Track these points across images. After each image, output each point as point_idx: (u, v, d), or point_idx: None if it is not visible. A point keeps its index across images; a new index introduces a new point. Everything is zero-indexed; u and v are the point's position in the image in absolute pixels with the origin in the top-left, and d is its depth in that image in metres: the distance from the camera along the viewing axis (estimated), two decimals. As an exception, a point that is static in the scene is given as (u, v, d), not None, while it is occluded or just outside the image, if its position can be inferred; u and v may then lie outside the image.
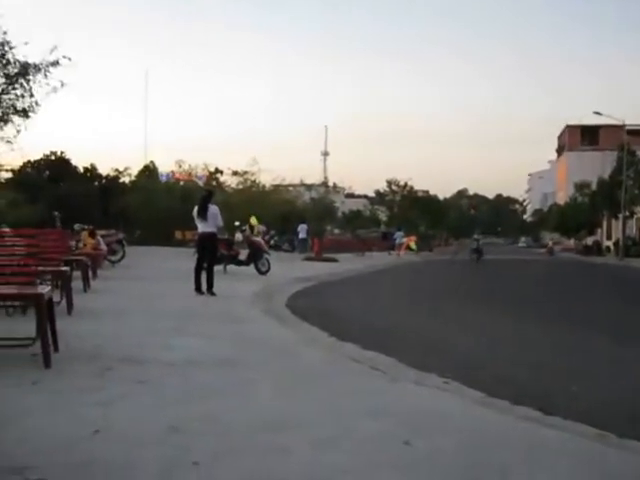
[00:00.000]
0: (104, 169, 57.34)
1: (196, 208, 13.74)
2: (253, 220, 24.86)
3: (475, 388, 6.04)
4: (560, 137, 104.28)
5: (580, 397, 6.09)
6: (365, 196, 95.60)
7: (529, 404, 5.51)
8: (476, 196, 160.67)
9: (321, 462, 3.81)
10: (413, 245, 51.55)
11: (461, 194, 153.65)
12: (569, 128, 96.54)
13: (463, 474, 3.67)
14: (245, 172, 55.58)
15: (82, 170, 56.14)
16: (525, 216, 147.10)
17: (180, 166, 56.10)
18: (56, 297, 7.89)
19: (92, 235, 19.31)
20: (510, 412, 5.25)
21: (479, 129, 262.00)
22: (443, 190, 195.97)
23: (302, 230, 43.59)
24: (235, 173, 56.18)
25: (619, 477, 3.85)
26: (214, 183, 52.28)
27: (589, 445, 4.45)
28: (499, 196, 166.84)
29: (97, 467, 3.58)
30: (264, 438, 4.19)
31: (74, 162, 55.88)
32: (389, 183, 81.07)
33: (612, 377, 7.17)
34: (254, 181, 56.70)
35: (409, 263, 37.25)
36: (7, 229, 8.72)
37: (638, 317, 13.44)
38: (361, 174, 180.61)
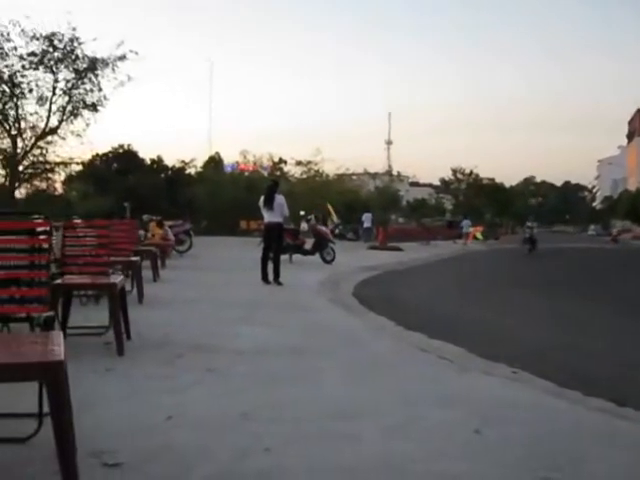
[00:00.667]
0: (170, 161, 58.25)
1: (262, 198, 13.84)
2: (330, 208, 24.96)
3: (545, 378, 5.95)
4: (630, 122, 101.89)
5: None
6: (430, 184, 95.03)
7: (601, 395, 5.40)
8: (543, 183, 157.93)
9: (391, 450, 3.81)
10: (479, 235, 51.31)
11: (528, 182, 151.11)
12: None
13: (535, 464, 3.62)
14: (309, 162, 55.87)
15: (149, 162, 57.08)
16: (594, 204, 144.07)
17: (245, 157, 56.68)
18: (127, 287, 8.05)
19: (160, 226, 19.64)
20: (582, 403, 5.16)
21: (546, 115, 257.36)
22: (509, 178, 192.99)
23: (367, 219, 43.59)
24: (299, 163, 56.55)
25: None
26: (278, 173, 52.59)
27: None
28: (567, 183, 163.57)
29: (172, 452, 3.65)
30: (334, 425, 4.22)
31: (141, 154, 56.87)
32: (454, 171, 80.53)
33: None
34: (318, 171, 56.90)
35: (475, 252, 36.91)
36: (78, 220, 8.92)
37: None
38: (426, 162, 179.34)
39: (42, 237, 4.24)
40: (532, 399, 5.17)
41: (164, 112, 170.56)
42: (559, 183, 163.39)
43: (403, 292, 14.49)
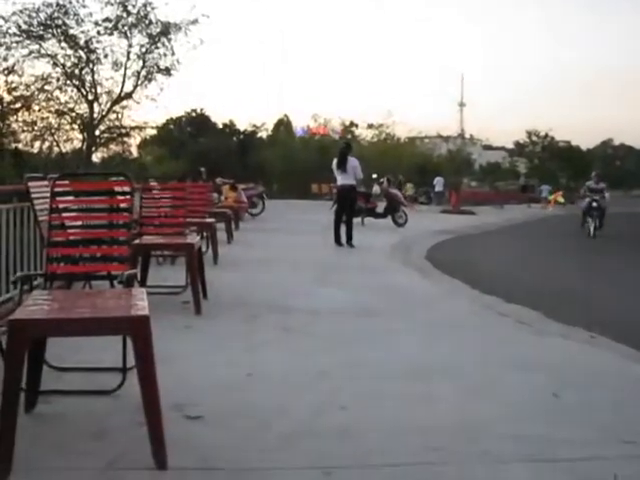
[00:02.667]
0: (242, 124, 58.61)
1: (335, 160, 13.82)
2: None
3: (624, 343, 5.82)
4: None
5: None
6: (503, 148, 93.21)
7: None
8: (622, 146, 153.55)
9: (468, 411, 3.81)
10: (561, 199, 50.52)
11: (606, 144, 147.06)
12: None
13: (618, 428, 3.57)
14: (380, 125, 55.43)
15: (221, 126, 57.56)
16: None
17: (315, 120, 56.52)
18: (203, 248, 8.17)
19: (234, 189, 19.82)
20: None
21: (624, 75, 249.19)
22: (586, 141, 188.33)
23: (438, 183, 43.41)
24: (370, 126, 56.13)
25: None
26: (349, 136, 52.36)
27: None
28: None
29: (251, 408, 3.72)
30: (410, 385, 4.24)
31: (213, 119, 57.38)
32: (529, 134, 78.78)
33: None
34: (389, 134, 56.47)
35: (551, 216, 36.27)
36: (154, 183, 9.05)
37: None
38: (499, 125, 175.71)
39: (122, 197, 4.33)
40: (611, 364, 5.10)
41: (237, 76, 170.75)
42: (639, 146, 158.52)
43: (477, 256, 14.36)
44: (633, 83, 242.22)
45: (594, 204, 20.47)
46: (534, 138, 78.28)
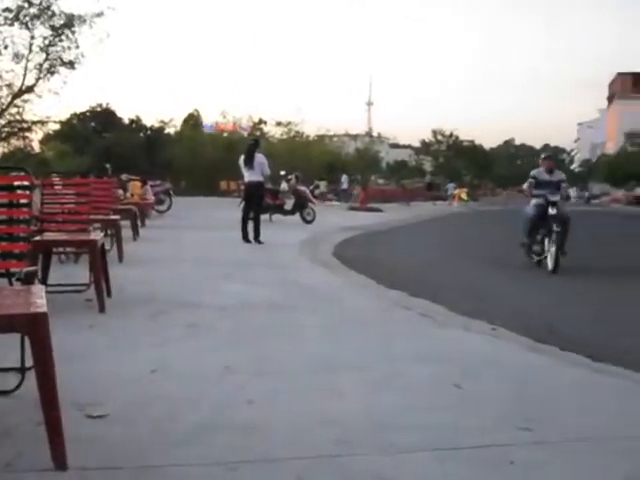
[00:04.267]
0: (149, 120, 57.84)
1: (242, 157, 13.79)
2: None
3: (524, 335, 6.00)
4: (611, 85, 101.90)
5: (630, 347, 6.04)
6: (410, 146, 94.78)
7: (578, 351, 5.46)
8: (523, 146, 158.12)
9: (374, 403, 3.86)
10: (465, 196, 51.97)
11: (508, 144, 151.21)
12: (620, 76, 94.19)
13: (514, 416, 3.68)
14: (289, 122, 55.56)
15: (127, 121, 56.65)
16: (573, 166, 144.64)
17: (224, 116, 56.18)
18: (107, 245, 8.02)
19: (140, 185, 19.53)
20: (559, 358, 5.24)
21: (527, 78, 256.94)
22: (489, 140, 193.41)
23: (344, 180, 44.13)
24: (279, 123, 56.20)
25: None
26: (258, 133, 52.27)
27: (636, 390, 4.47)
28: (546, 146, 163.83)
29: (156, 404, 3.67)
30: (317, 379, 4.27)
31: (119, 114, 56.41)
32: (434, 133, 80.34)
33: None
34: (298, 131, 56.69)
35: (455, 213, 37.08)
36: (57, 178, 8.81)
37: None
38: (406, 124, 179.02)
39: (22, 193, 4.21)
40: (511, 355, 5.24)
41: (145, 72, 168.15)
42: (539, 146, 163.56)
43: (383, 252, 14.56)
44: (534, 85, 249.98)
45: (552, 211, 11.34)
46: (439, 137, 79.94)
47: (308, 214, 20.62)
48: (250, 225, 13.49)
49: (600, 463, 3.15)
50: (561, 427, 3.58)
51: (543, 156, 13.18)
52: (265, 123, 57.18)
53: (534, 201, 11.72)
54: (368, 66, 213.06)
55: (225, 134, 54.81)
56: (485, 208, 46.34)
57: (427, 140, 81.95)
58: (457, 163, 76.50)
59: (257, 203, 13.78)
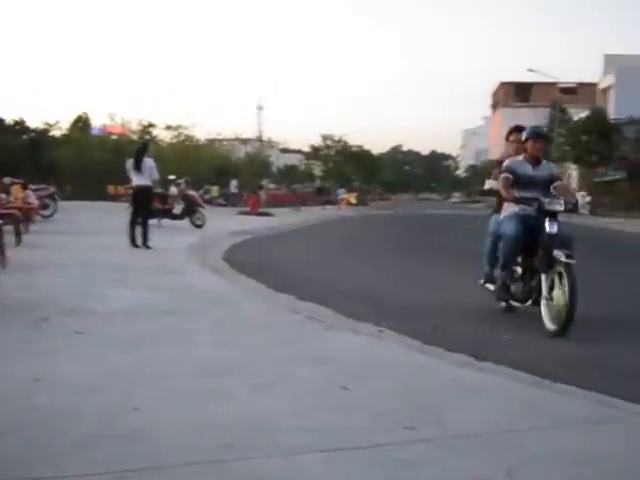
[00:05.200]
0: (34, 122, 56.03)
1: (131, 161, 13.58)
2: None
3: (410, 336, 6.13)
4: (494, 94, 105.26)
5: (512, 345, 6.29)
6: (300, 151, 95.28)
7: (462, 351, 5.64)
8: (410, 152, 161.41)
9: (261, 406, 3.89)
10: (354, 200, 52.90)
11: (396, 150, 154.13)
12: (503, 85, 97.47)
13: (399, 415, 3.79)
14: (179, 126, 54.89)
15: (11, 123, 54.69)
16: (458, 172, 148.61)
17: (112, 119, 54.99)
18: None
19: (23, 189, 18.90)
20: (444, 358, 5.39)
21: (415, 85, 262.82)
22: (378, 146, 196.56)
23: (233, 185, 44.33)
24: (169, 127, 55.43)
25: (543, 412, 4.02)
26: (147, 137, 51.40)
27: (516, 386, 4.64)
28: (433, 152, 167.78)
29: (39, 415, 3.59)
30: (204, 384, 4.27)
31: (1, 114, 54.39)
32: (324, 138, 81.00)
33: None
34: (188, 135, 56.12)
35: (345, 218, 37.48)
36: None
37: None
38: (297, 129, 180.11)
39: None
40: (397, 356, 5.37)
41: (29, 72, 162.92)
42: (426, 152, 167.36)
43: (273, 256, 14.59)
44: (422, 92, 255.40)
45: (551, 228, 6.88)
46: (329, 142, 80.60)
47: (198, 219, 20.47)
48: (138, 230, 13.29)
49: (483, 459, 3.27)
50: (445, 425, 3.70)
51: (528, 133, 7.48)
52: (155, 126, 56.30)
53: (513, 209, 7.32)
54: (259, 70, 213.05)
55: (113, 137, 53.67)
56: (374, 212, 47.10)
57: (317, 145, 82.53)
58: (346, 168, 77.38)
59: (145, 207, 13.60)
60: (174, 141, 55.55)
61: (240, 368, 4.69)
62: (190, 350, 5.18)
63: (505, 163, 7.60)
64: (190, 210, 20.58)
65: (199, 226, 20.13)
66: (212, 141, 60.56)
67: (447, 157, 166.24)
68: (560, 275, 6.66)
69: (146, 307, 6.86)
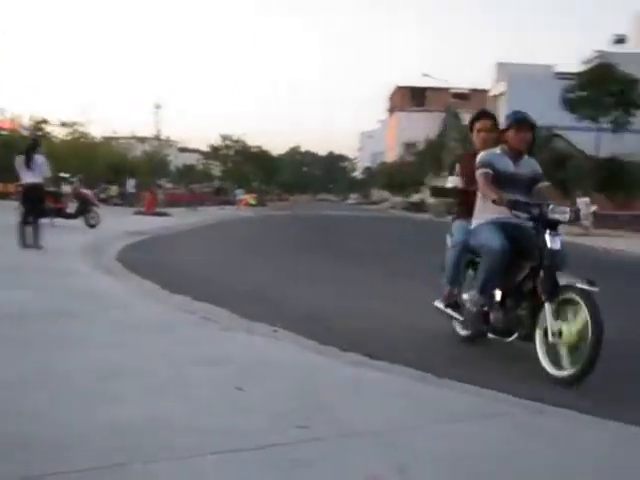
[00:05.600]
0: None
1: (21, 157, 13.18)
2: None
3: (305, 336, 6.18)
4: (391, 98, 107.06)
5: (405, 343, 6.43)
6: (199, 150, 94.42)
7: (357, 350, 5.71)
8: (308, 153, 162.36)
9: (156, 408, 3.85)
10: (252, 201, 52.95)
11: (294, 151, 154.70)
12: (400, 89, 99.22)
13: (295, 416, 3.82)
14: (74, 123, 53.50)
15: None
16: (355, 174, 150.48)
17: (2, 114, 53.07)
18: None
19: None
20: (339, 357, 5.46)
21: (314, 88, 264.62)
22: (277, 147, 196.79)
23: (130, 184, 43.54)
24: (64, 124, 53.94)
25: (435, 410, 4.13)
26: (40, 133, 49.85)
27: (410, 384, 4.74)
28: (331, 154, 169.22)
29: None
30: (98, 387, 4.19)
31: None
32: (223, 138, 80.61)
33: (439, 325, 7.56)
34: (83, 132, 54.76)
35: (244, 218, 37.43)
36: None
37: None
38: (196, 128, 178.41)
39: None
40: (293, 356, 5.40)
41: None
42: (324, 153, 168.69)
43: (169, 257, 14.43)
44: (321, 95, 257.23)
45: (553, 243, 5.52)
46: (228, 142, 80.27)
47: (92, 218, 20.04)
48: (29, 230, 12.89)
49: (376, 456, 3.34)
50: (339, 423, 3.76)
51: (511, 120, 6.09)
52: (48, 123, 54.63)
53: (489, 215, 6.01)
54: (158, 68, 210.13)
55: (3, 133, 51.80)
56: (272, 213, 47.19)
57: (216, 145, 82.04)
58: (245, 168, 77.29)
59: (37, 206, 13.20)
60: (69, 138, 54.13)
61: (134, 370, 4.62)
62: (83, 353, 5.07)
63: (481, 156, 6.12)
64: (84, 209, 20.13)
65: (93, 226, 19.71)
66: (108, 139, 59.36)
67: (344, 159, 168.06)
68: (570, 304, 5.25)
69: (38, 310, 6.66)
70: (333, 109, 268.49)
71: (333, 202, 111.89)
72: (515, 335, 5.75)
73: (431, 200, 60.90)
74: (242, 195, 53.38)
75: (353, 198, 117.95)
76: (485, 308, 5.98)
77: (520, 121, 6.08)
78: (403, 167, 73.00)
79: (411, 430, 3.75)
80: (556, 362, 5.26)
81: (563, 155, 38.18)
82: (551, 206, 5.59)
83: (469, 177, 6.27)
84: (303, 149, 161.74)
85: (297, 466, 3.16)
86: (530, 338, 5.54)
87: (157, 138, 64.08)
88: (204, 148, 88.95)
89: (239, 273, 11.91)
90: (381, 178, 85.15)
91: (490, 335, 6.06)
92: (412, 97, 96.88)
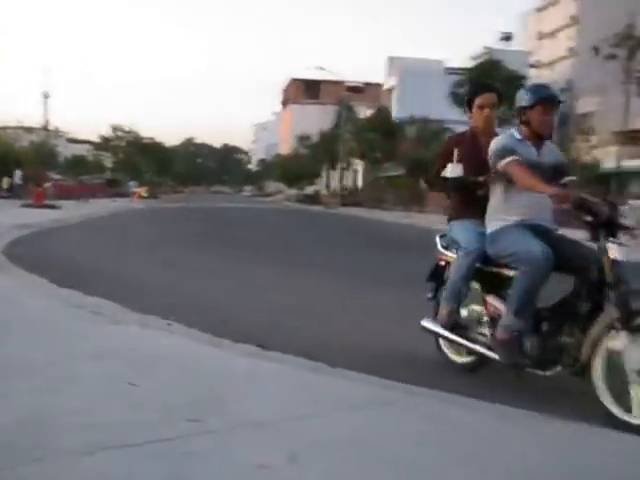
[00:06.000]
0: None
1: None
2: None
3: (200, 329, 6.13)
4: (285, 90, 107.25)
5: (299, 334, 6.48)
6: (89, 141, 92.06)
7: (251, 342, 5.71)
8: (203, 145, 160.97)
9: (43, 405, 3.76)
10: (145, 193, 52.22)
11: (189, 142, 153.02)
12: (294, 82, 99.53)
13: (186, 408, 3.80)
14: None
15: None
16: (250, 166, 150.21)
17: None
18: None
19: None
20: (232, 349, 5.45)
21: (209, 79, 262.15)
22: (172, 138, 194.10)
23: (17, 176, 42.19)
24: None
25: (328, 399, 4.18)
26: None
27: (303, 374, 4.79)
28: (226, 145, 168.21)
29: None
30: (-18, 385, 4.05)
31: None
32: (114, 129, 78.95)
33: (334, 314, 7.65)
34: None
35: (136, 210, 36.76)
36: None
37: (353, 259, 14.34)
38: (86, 119, 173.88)
39: None
40: (185, 349, 5.36)
41: None
42: (218, 145, 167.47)
43: (57, 250, 14.04)
44: (216, 86, 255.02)
45: (618, 253, 4.40)
46: (119, 133, 78.66)
47: (-24, 211, 19.33)
48: None
49: (267, 446, 3.35)
50: (229, 416, 3.76)
51: (537, 96, 4.91)
52: None
53: (513, 217, 4.99)
54: (44, 56, 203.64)
55: None
56: (167, 205, 46.53)
57: (107, 135, 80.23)
58: (137, 160, 75.92)
59: None
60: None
61: (23, 366, 4.48)
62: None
63: (500, 142, 5.02)
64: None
65: (-24, 219, 19.01)
66: (-7, 129, 57.27)
67: (239, 151, 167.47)
68: None
69: None
70: (229, 101, 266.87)
71: (228, 194, 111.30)
72: (558, 368, 4.62)
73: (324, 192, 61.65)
74: (136, 187, 52.54)
75: (248, 190, 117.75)
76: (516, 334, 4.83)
77: (548, 99, 4.95)
78: (298, 159, 73.29)
79: (303, 419, 3.79)
80: (624, 402, 4.21)
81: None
82: (625, 207, 4.60)
83: (471, 165, 5.27)
84: (199, 141, 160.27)
85: (187, 459, 3.14)
86: (582, 372, 4.44)
87: (45, 128, 62.23)
88: (95, 139, 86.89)
89: (131, 267, 11.70)
90: (276, 170, 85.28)
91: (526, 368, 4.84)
92: (306, 90, 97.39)
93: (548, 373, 4.67)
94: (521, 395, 4.79)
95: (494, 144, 5.02)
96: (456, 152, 5.34)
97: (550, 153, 5.11)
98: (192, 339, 5.74)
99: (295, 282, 10.32)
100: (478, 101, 5.48)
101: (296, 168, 71.79)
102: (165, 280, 10.06)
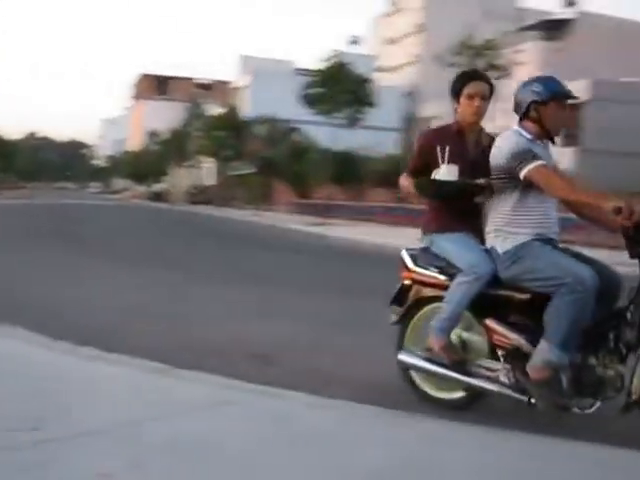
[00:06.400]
0: None
1: None
2: None
3: (42, 333, 5.92)
4: (136, 85, 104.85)
5: (145, 333, 6.44)
6: None
7: (93, 344, 5.59)
8: (46, 139, 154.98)
9: None
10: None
11: (31, 136, 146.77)
12: (145, 77, 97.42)
13: (26, 416, 3.69)
14: None
15: None
16: (97, 162, 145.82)
17: None
18: None
19: None
20: (74, 353, 5.32)
21: (54, 70, 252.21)
22: (15, 132, 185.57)
23: None
24: None
25: (172, 401, 4.19)
26: None
27: (146, 377, 4.77)
28: (72, 141, 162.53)
29: None
30: None
31: None
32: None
33: (182, 313, 7.60)
34: None
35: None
36: None
37: (199, 256, 14.25)
38: None
39: None
40: (28, 354, 5.19)
41: None
42: (64, 139, 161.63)
43: None
44: (62, 77, 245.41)
45: None
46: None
47: None
48: None
49: (109, 453, 3.31)
50: (71, 423, 3.69)
51: (553, 91, 4.23)
52: None
53: (530, 231, 4.28)
54: None
55: None
56: (8, 202, 44.47)
57: None
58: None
59: None
60: None
61: None
62: None
63: (516, 143, 4.24)
64: None
65: None
66: None
67: (85, 146, 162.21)
68: None
69: None
70: (78, 96, 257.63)
71: (73, 190, 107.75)
72: (597, 404, 4.02)
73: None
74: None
75: (94, 187, 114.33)
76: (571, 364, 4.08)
77: (565, 94, 4.31)
78: (147, 156, 71.80)
79: (148, 423, 3.75)
80: None
81: (301, 148, 39.87)
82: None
83: (458, 166, 4.56)
84: (44, 135, 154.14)
85: (29, 469, 3.07)
86: (636, 405, 3.87)
87: None
88: None
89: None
90: (124, 167, 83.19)
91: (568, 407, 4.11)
92: (157, 86, 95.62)
93: (587, 411, 4.04)
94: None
95: (509, 145, 4.24)
96: (447, 150, 4.61)
97: (551, 155, 4.46)
98: (36, 344, 5.53)
99: (147, 280, 10.20)
100: (467, 90, 4.64)
101: (145, 165, 70.25)
102: (4, 282, 9.66)
